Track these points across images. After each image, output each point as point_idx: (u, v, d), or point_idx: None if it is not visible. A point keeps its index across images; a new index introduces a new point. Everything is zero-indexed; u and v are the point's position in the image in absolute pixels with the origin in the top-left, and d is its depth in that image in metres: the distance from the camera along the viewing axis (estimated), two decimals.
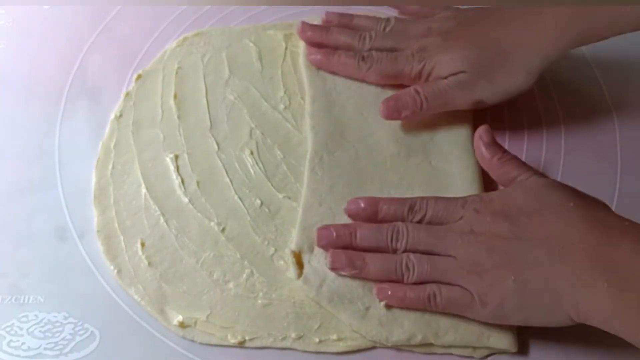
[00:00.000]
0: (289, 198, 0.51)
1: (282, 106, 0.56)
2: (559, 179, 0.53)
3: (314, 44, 0.57)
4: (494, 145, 0.49)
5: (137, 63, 0.59)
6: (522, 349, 0.45)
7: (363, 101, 0.55)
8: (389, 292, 0.45)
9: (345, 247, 0.46)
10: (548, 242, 0.42)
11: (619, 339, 0.41)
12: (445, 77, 0.52)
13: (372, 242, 0.46)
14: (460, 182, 0.51)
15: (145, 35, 0.60)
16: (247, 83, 0.57)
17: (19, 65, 0.58)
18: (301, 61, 0.58)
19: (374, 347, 0.46)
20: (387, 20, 0.56)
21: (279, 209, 0.51)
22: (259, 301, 0.47)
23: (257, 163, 0.53)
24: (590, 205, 0.44)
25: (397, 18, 0.57)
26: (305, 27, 0.57)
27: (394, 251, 0.46)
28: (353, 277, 0.46)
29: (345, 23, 0.58)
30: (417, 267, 0.44)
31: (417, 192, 0.50)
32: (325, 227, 0.47)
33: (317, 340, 0.45)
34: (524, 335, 0.46)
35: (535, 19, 0.51)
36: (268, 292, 0.47)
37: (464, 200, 0.46)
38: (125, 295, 0.47)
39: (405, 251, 0.45)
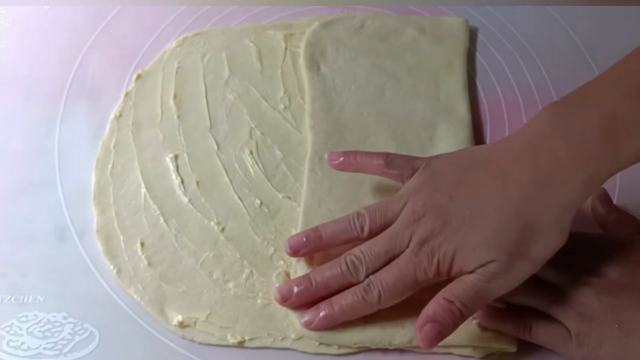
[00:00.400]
0: (289, 198, 0.51)
1: (282, 106, 0.56)
2: None
3: (306, 304, 0.45)
4: (611, 203, 0.48)
5: (137, 63, 0.59)
6: (522, 348, 0.45)
7: (363, 101, 0.56)
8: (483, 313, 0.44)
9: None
10: None
11: None
12: (472, 271, 0.42)
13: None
14: None
15: (145, 35, 0.60)
16: (247, 83, 0.57)
17: (19, 65, 0.58)
18: (301, 61, 0.58)
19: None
20: (358, 215, 0.46)
21: (279, 208, 0.51)
22: (259, 301, 0.47)
23: (256, 163, 0.53)
24: None
25: (367, 207, 0.46)
26: (284, 291, 0.45)
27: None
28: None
29: (317, 244, 0.46)
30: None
31: None
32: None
33: (316, 341, 0.45)
34: None
35: (556, 171, 0.41)
36: (267, 292, 0.47)
37: (586, 236, 0.45)
38: (124, 295, 0.47)
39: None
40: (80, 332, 0.45)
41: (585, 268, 0.43)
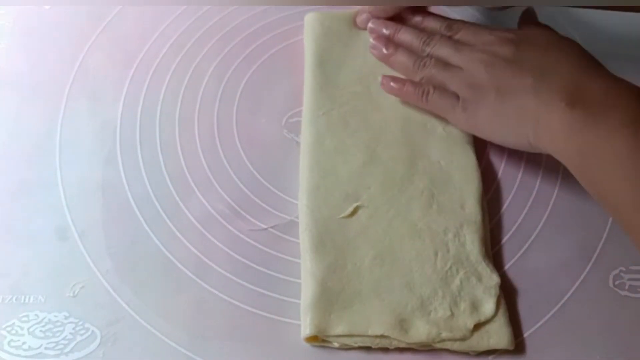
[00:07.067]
0: None
1: None
2: (559, 178, 0.54)
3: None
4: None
5: (137, 63, 0.59)
6: (519, 347, 0.46)
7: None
8: (391, 84, 0.53)
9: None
10: (536, 72, 0.47)
11: (616, 337, 0.41)
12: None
13: (407, 40, 0.54)
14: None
15: (145, 35, 0.61)
16: None
17: (20, 66, 0.58)
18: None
19: None
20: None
21: None
22: None
23: None
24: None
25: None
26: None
27: (422, 52, 0.53)
28: (379, 58, 0.55)
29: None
30: (430, 68, 0.52)
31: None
32: (376, 20, 0.56)
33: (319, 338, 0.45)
34: (521, 335, 0.46)
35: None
36: None
37: (492, 28, 0.53)
38: (126, 294, 0.47)
39: (429, 55, 0.53)
40: (81, 332, 0.45)
41: (483, 50, 0.51)
